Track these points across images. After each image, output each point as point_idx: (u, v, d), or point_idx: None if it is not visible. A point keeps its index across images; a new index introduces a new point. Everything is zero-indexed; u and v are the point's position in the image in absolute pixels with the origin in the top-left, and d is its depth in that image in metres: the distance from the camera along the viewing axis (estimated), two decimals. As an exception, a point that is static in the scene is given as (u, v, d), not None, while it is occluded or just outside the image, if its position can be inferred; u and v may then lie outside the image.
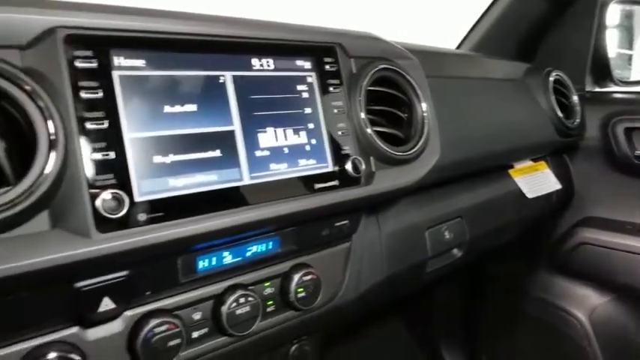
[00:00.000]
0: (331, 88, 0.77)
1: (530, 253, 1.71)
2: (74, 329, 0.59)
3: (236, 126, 0.65)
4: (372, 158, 0.81)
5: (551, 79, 1.47)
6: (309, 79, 0.75)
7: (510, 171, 1.38)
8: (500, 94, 1.34)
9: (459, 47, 1.72)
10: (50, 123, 0.49)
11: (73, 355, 0.57)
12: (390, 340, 1.90)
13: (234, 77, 0.66)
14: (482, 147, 1.18)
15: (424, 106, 0.90)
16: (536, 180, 1.43)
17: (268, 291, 0.76)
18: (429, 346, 1.89)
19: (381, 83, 0.86)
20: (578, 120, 1.50)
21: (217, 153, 0.62)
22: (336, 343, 1.63)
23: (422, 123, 0.89)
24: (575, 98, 1.53)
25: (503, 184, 1.34)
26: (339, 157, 0.75)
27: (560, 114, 1.43)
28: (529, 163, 1.47)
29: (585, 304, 1.55)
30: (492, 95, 1.30)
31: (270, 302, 0.77)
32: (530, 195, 1.36)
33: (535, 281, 1.68)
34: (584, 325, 1.54)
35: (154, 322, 0.62)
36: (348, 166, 0.75)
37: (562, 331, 1.59)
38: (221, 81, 0.65)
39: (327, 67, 0.77)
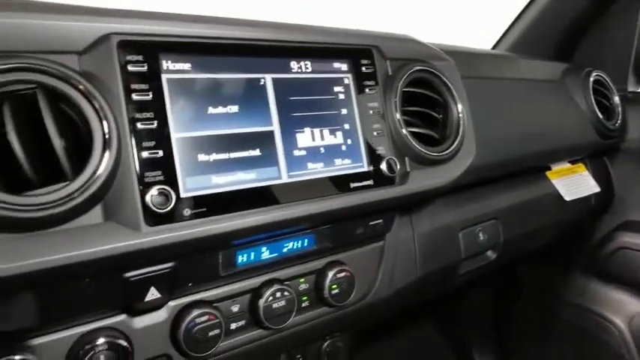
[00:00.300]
0: (367, 90, 0.79)
1: (565, 256, 1.68)
2: (122, 317, 0.63)
3: (275, 126, 0.67)
4: (406, 158, 0.82)
5: (592, 79, 1.44)
6: (346, 81, 0.76)
7: (547, 173, 1.36)
8: (538, 95, 1.33)
9: (494, 47, 1.70)
10: (105, 123, 0.53)
11: (120, 341, 0.61)
12: (421, 342, 1.90)
13: (274, 79, 0.68)
14: (519, 148, 1.17)
15: (460, 106, 0.91)
16: (574, 182, 1.41)
17: (303, 287, 0.79)
18: (459, 349, 1.87)
19: (416, 84, 0.87)
20: (619, 121, 1.46)
21: (257, 152, 0.65)
22: (367, 343, 1.64)
23: (457, 124, 0.90)
24: (617, 99, 1.50)
25: (540, 186, 1.33)
26: (374, 157, 0.77)
27: (600, 115, 1.41)
28: (567, 165, 1.44)
29: (624, 310, 1.51)
30: (529, 96, 1.29)
31: (305, 298, 0.79)
32: (567, 197, 1.34)
33: (570, 285, 1.65)
34: (622, 332, 1.50)
35: (195, 312, 0.65)
36: (383, 166, 0.77)
37: (599, 338, 1.55)
38: (261, 83, 0.67)
39: (364, 68, 0.79)
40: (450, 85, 0.91)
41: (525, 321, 1.78)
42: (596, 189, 1.45)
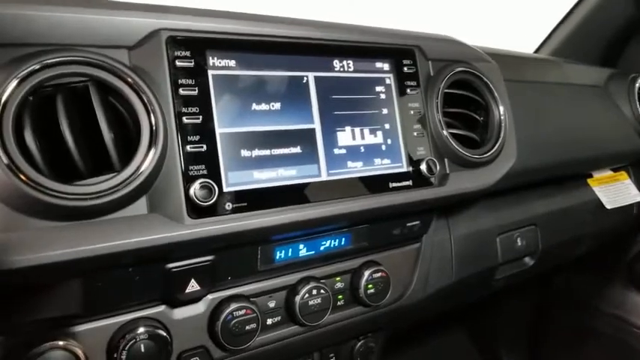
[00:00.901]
0: (408, 90, 0.78)
1: (604, 266, 1.63)
2: (161, 308, 0.64)
3: (316, 124, 0.68)
4: (446, 160, 0.81)
5: (637, 85, 1.40)
6: (387, 81, 0.76)
7: (589, 180, 1.33)
8: (581, 100, 1.29)
9: (537, 51, 1.67)
10: (152, 116, 0.54)
11: (160, 331, 0.62)
12: (451, 348, 1.87)
13: (317, 78, 0.69)
14: (561, 154, 1.14)
15: (501, 109, 0.89)
16: (616, 190, 1.37)
17: (339, 285, 0.79)
18: (490, 358, 1.84)
19: (458, 86, 0.86)
20: (665, 128, 1.41)
21: (298, 149, 0.65)
22: (397, 345, 1.63)
23: (498, 126, 0.88)
24: (663, 106, 1.44)
25: (581, 194, 1.29)
26: (414, 158, 0.76)
27: (645, 122, 1.36)
28: (609, 172, 1.40)
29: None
30: (572, 101, 1.26)
31: (340, 296, 0.79)
32: (609, 206, 1.30)
33: (609, 296, 1.60)
34: (662, 345, 1.45)
35: (233, 306, 0.66)
36: (423, 167, 0.76)
37: (637, 350, 1.50)
38: (304, 81, 0.68)
39: (405, 69, 0.79)
40: (491, 87, 0.89)
41: (560, 331, 1.73)
42: (639, 198, 1.40)
